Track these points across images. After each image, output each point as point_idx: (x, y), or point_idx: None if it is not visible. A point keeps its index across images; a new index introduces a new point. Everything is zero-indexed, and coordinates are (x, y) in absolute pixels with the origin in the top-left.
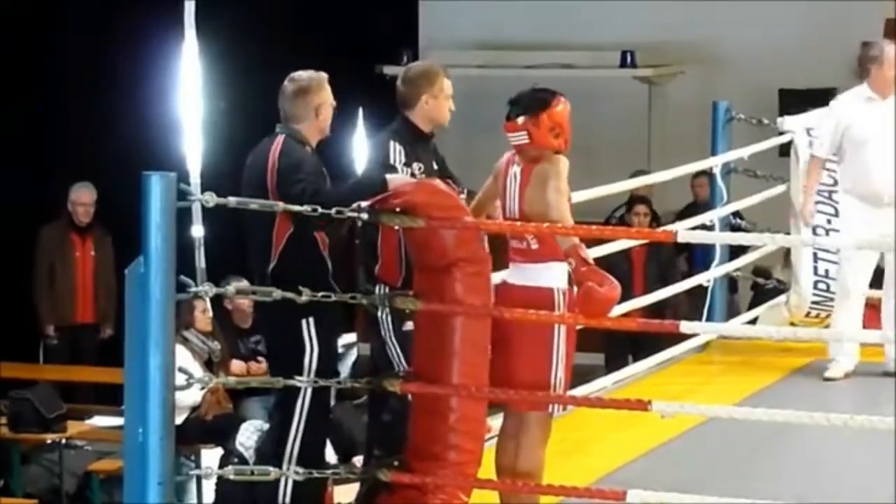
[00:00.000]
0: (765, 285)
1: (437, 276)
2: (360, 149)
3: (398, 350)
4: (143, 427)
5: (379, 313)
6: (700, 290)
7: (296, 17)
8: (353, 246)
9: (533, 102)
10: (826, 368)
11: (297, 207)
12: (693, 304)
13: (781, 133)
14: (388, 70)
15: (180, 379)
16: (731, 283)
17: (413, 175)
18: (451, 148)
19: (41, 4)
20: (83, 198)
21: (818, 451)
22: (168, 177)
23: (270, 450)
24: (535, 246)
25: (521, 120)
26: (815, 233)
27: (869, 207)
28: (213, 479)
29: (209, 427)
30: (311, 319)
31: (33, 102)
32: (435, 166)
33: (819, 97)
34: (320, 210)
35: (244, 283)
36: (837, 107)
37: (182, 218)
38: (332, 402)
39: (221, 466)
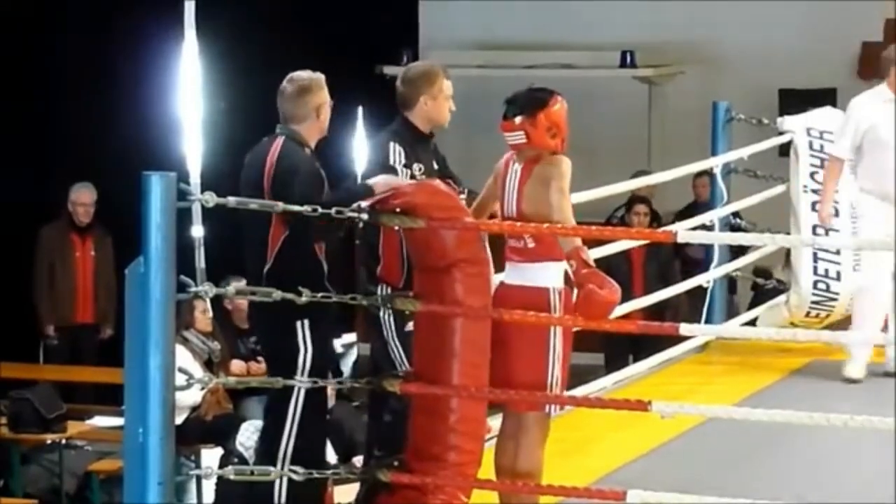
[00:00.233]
0: (765, 285)
1: (437, 276)
2: (360, 149)
3: (400, 351)
4: (144, 427)
5: (381, 314)
6: (700, 291)
7: (296, 17)
8: (353, 247)
9: (530, 102)
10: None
11: (296, 208)
12: (693, 304)
13: (781, 133)
14: (388, 70)
15: (180, 379)
16: (731, 283)
17: (413, 176)
18: (452, 148)
19: (41, 4)
20: (83, 198)
21: (818, 452)
22: (168, 177)
23: (263, 450)
24: (531, 245)
25: (518, 119)
26: (814, 233)
27: (889, 207)
28: (213, 480)
29: (209, 427)
30: (305, 321)
31: (33, 102)
32: (435, 166)
33: (819, 97)
34: (318, 211)
35: (244, 284)
36: (856, 107)
37: (182, 218)
38: (332, 403)
39: (221, 466)
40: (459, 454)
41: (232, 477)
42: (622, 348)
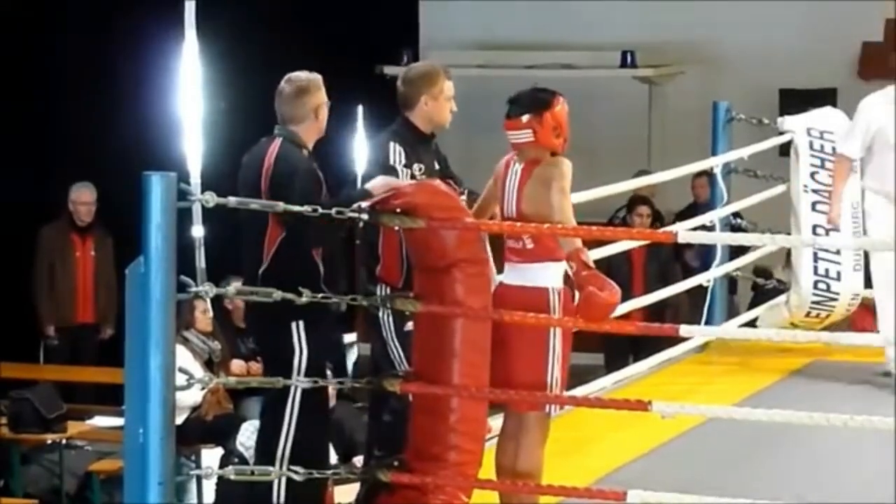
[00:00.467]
0: (765, 285)
1: (437, 276)
2: (360, 149)
3: (400, 351)
4: (144, 427)
5: (380, 314)
6: (700, 291)
7: (296, 17)
8: (353, 247)
9: (536, 101)
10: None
11: (297, 208)
12: (693, 303)
13: (782, 133)
14: (389, 70)
15: (181, 379)
16: (731, 283)
17: (413, 176)
18: (452, 148)
19: (41, 4)
20: (84, 197)
21: (818, 452)
22: (168, 177)
23: (260, 450)
24: (530, 245)
25: (525, 118)
26: (814, 233)
27: (893, 207)
28: (214, 480)
29: (209, 427)
30: (300, 323)
31: (33, 102)
32: (436, 167)
33: (819, 97)
34: (318, 212)
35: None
36: (866, 108)
37: (182, 218)
38: (333, 403)
39: (222, 466)
40: (460, 454)
41: (232, 477)
42: (622, 348)
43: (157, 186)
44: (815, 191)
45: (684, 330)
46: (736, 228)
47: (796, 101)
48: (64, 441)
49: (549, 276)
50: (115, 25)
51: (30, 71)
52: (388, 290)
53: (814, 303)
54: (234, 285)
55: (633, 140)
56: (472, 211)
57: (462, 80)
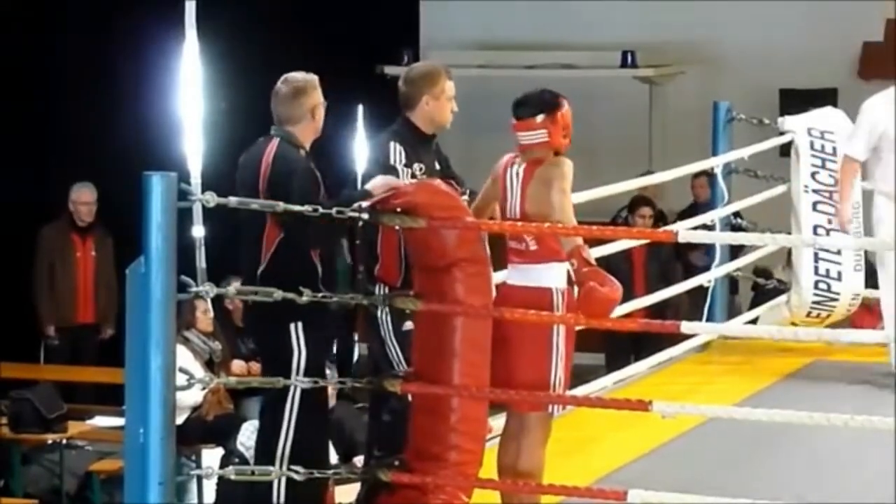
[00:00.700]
0: (765, 285)
1: (437, 276)
2: (360, 149)
3: (398, 350)
4: (144, 427)
5: (378, 313)
6: (701, 291)
7: (296, 17)
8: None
9: (547, 102)
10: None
11: (297, 208)
12: (694, 304)
13: (782, 133)
14: (389, 70)
15: (181, 379)
16: (732, 283)
17: (414, 175)
18: (452, 148)
19: (41, 4)
20: (84, 197)
21: (818, 452)
22: (169, 177)
23: (260, 451)
24: (533, 247)
25: (540, 118)
26: (815, 233)
27: None
28: (214, 480)
29: (210, 427)
30: (299, 324)
31: (33, 102)
32: (437, 167)
33: (819, 97)
34: (318, 212)
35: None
36: (870, 109)
37: (183, 218)
38: (333, 403)
39: (222, 466)
40: (460, 454)
41: (233, 477)
42: (623, 348)
43: (158, 186)
44: (815, 191)
45: (686, 326)
46: (736, 228)
47: (796, 101)
48: (64, 441)
49: (552, 276)
50: (115, 25)
51: (30, 71)
52: (387, 290)
53: (814, 303)
54: (235, 285)
55: (633, 140)
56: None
57: (462, 80)
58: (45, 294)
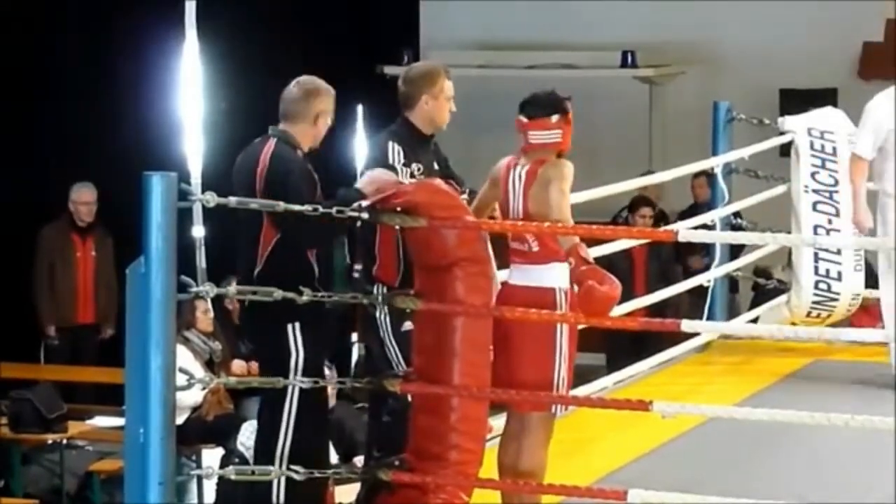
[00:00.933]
0: (765, 285)
1: (438, 275)
2: (360, 149)
3: (397, 350)
4: (144, 427)
5: (377, 314)
6: (701, 291)
7: (296, 17)
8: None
9: (559, 102)
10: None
11: (297, 207)
12: (694, 303)
13: (782, 133)
14: (389, 70)
15: (181, 379)
16: (732, 283)
17: (413, 175)
18: (452, 148)
19: (41, 4)
20: (84, 196)
21: (819, 452)
22: (169, 177)
23: (260, 451)
24: (535, 248)
25: (555, 118)
26: (815, 233)
27: None
28: (214, 480)
29: (210, 427)
30: (296, 324)
31: (33, 102)
32: (436, 167)
33: (820, 97)
34: (317, 211)
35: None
36: (875, 108)
37: (183, 218)
38: (332, 403)
39: (222, 466)
40: (460, 453)
41: (233, 477)
42: (624, 348)
43: (158, 186)
44: (815, 191)
45: (686, 325)
46: (736, 228)
47: (797, 101)
48: (64, 441)
49: (555, 276)
50: (115, 25)
51: (30, 71)
52: (385, 290)
53: (814, 303)
54: (235, 285)
55: (633, 140)
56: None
57: (462, 80)
58: (46, 294)
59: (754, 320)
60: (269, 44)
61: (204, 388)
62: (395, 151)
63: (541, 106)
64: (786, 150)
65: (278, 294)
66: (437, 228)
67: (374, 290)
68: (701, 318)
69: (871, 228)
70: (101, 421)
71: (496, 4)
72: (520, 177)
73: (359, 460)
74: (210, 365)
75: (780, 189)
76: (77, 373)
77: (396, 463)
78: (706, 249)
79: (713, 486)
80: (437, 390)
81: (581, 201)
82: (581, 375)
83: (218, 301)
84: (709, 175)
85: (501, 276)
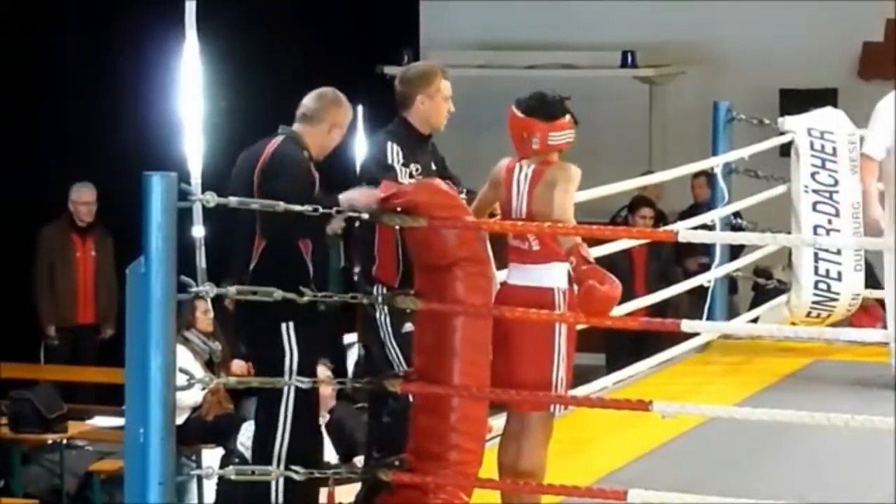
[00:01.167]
0: (765, 286)
1: (438, 275)
2: (361, 149)
3: (398, 352)
4: (144, 427)
5: (377, 315)
6: (701, 291)
7: (296, 17)
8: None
9: (564, 102)
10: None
11: (297, 207)
12: (694, 304)
13: (782, 133)
14: (389, 70)
15: (181, 379)
16: (732, 283)
17: (411, 175)
18: (452, 148)
19: (41, 4)
20: (84, 196)
21: (819, 452)
22: (169, 177)
23: (257, 452)
24: (536, 247)
25: (568, 118)
26: (815, 233)
27: None
28: (214, 480)
29: (210, 427)
30: (290, 324)
31: (33, 102)
32: (433, 167)
33: (820, 97)
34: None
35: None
36: (886, 108)
37: (183, 218)
38: (332, 403)
39: (222, 466)
40: (460, 453)
41: (233, 477)
42: (623, 348)
43: (158, 186)
44: (815, 191)
45: (686, 325)
46: (736, 229)
47: (796, 101)
48: (64, 441)
49: (554, 276)
50: (115, 25)
51: (30, 71)
52: (385, 290)
53: (814, 303)
54: (234, 284)
55: (633, 140)
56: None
57: (462, 80)
58: (46, 294)
59: (754, 320)
60: (269, 44)
61: (204, 388)
62: (393, 151)
63: (555, 106)
64: (786, 150)
65: (278, 294)
66: (436, 228)
67: (374, 291)
68: (701, 318)
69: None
70: (101, 421)
71: (496, 4)
72: (525, 176)
73: (359, 460)
74: (210, 365)
75: (780, 189)
76: (77, 373)
77: (396, 463)
78: (706, 249)
79: (713, 486)
80: (437, 390)
81: (580, 201)
82: (581, 375)
83: (218, 301)
84: (709, 175)
85: (499, 276)
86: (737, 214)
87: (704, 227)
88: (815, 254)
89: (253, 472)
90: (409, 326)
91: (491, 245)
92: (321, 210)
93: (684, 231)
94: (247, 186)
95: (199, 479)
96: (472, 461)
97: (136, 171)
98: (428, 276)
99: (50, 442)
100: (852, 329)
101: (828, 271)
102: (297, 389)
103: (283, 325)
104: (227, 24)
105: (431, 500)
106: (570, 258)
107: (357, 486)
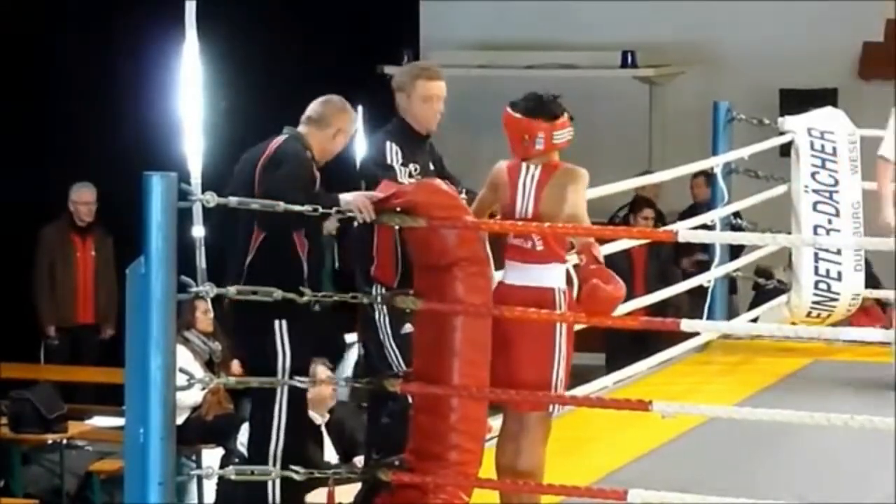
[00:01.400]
0: (765, 286)
1: (437, 275)
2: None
3: (397, 353)
4: (144, 427)
5: (376, 316)
6: (701, 291)
7: (296, 17)
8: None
9: (559, 101)
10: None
11: (297, 207)
12: (694, 304)
13: (782, 133)
14: (389, 70)
15: (181, 379)
16: (732, 283)
17: (410, 175)
18: (452, 148)
19: (41, 4)
20: (84, 196)
21: (818, 452)
22: (169, 177)
23: (253, 453)
24: (540, 247)
25: (566, 116)
26: (815, 233)
27: None
28: (214, 480)
29: (210, 427)
30: (283, 322)
31: (33, 102)
32: (431, 167)
33: (820, 97)
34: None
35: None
36: None
37: (183, 218)
38: (332, 403)
39: (222, 466)
40: (460, 453)
41: (233, 477)
42: (623, 348)
43: (158, 186)
44: (815, 191)
45: (686, 324)
46: (736, 229)
47: (796, 101)
48: (64, 441)
49: (554, 276)
50: (115, 25)
51: (30, 71)
52: (383, 290)
53: (814, 303)
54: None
55: (633, 140)
56: None
57: (462, 80)
58: (46, 294)
59: (754, 320)
60: (269, 44)
61: (204, 388)
62: (392, 151)
63: (555, 106)
64: (786, 150)
65: (278, 294)
66: (436, 228)
67: (373, 291)
68: (701, 318)
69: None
70: (101, 421)
71: (496, 4)
72: (532, 178)
73: (359, 460)
74: (210, 365)
75: (780, 189)
76: (77, 373)
77: (396, 463)
78: (704, 248)
79: (713, 486)
80: (437, 390)
81: None
82: (581, 375)
83: (218, 301)
84: (708, 175)
85: (496, 276)
86: (737, 214)
87: (704, 227)
88: (815, 254)
89: (252, 472)
90: (408, 328)
91: (490, 246)
92: (321, 210)
93: (684, 231)
94: (248, 182)
95: (199, 479)
96: (472, 461)
97: (136, 171)
98: (428, 275)
99: (50, 442)
100: (852, 329)
101: (828, 271)
102: (291, 388)
103: (277, 323)
104: (227, 24)
105: (431, 500)
106: (581, 256)
107: (357, 486)
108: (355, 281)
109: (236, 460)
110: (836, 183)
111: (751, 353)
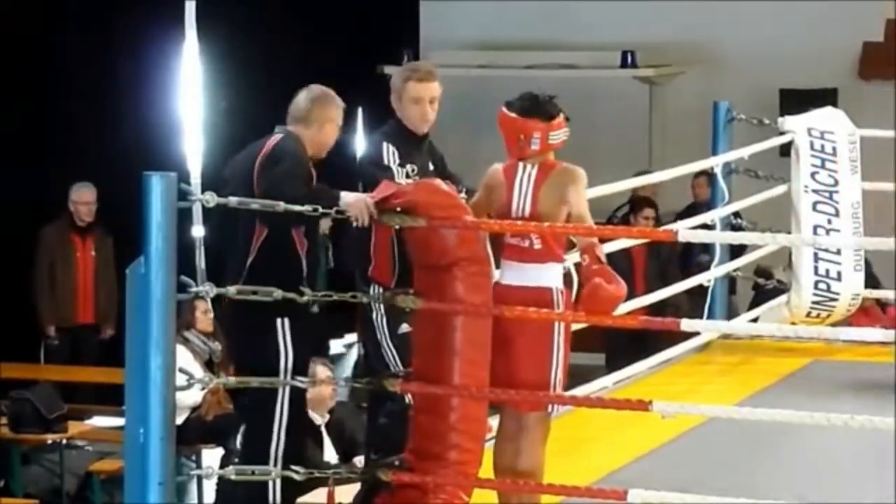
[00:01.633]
0: (765, 286)
1: (437, 275)
2: (360, 149)
3: (394, 352)
4: (144, 427)
5: (373, 316)
6: (701, 291)
7: (296, 17)
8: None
9: (554, 101)
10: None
11: (297, 207)
12: (694, 303)
13: (782, 133)
14: (389, 70)
15: (181, 379)
16: (732, 283)
17: (408, 175)
18: (452, 148)
19: (41, 4)
20: (85, 196)
21: (818, 452)
22: (169, 177)
23: (250, 453)
24: (538, 246)
25: (562, 116)
26: (815, 233)
27: None
28: (214, 480)
29: (210, 427)
30: (286, 320)
31: (33, 102)
32: (431, 166)
33: (820, 97)
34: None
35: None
36: None
37: (183, 218)
38: (332, 403)
39: (222, 466)
40: (460, 453)
41: (233, 477)
42: (623, 348)
43: (158, 186)
44: (815, 191)
45: (686, 324)
46: (736, 228)
47: (796, 101)
48: (64, 441)
49: (552, 276)
50: (115, 25)
51: (30, 71)
52: (380, 291)
53: (814, 303)
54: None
55: (633, 140)
56: None
57: (462, 80)
58: (46, 294)
59: (754, 320)
60: (269, 44)
61: (204, 388)
62: (389, 152)
63: (551, 106)
64: (786, 150)
65: (278, 294)
66: (436, 228)
67: (371, 291)
68: (701, 318)
69: None
70: (101, 421)
71: (496, 4)
72: (529, 177)
73: (359, 460)
74: (210, 365)
75: (780, 189)
76: (77, 373)
77: (396, 463)
78: (706, 249)
79: (713, 486)
80: (437, 390)
81: None
82: (581, 375)
83: (218, 301)
84: (709, 175)
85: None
86: (737, 214)
87: (704, 226)
88: (815, 254)
89: (253, 473)
90: (405, 328)
91: (490, 246)
92: (321, 210)
93: (684, 231)
94: (247, 182)
95: (199, 479)
96: (472, 461)
97: (136, 171)
98: (427, 275)
99: (50, 442)
100: (852, 329)
101: (828, 271)
102: (292, 388)
103: (279, 321)
104: (227, 24)
105: (431, 500)
106: (584, 255)
107: (357, 486)
108: (352, 280)
109: (236, 460)
110: (836, 183)
111: (751, 353)
